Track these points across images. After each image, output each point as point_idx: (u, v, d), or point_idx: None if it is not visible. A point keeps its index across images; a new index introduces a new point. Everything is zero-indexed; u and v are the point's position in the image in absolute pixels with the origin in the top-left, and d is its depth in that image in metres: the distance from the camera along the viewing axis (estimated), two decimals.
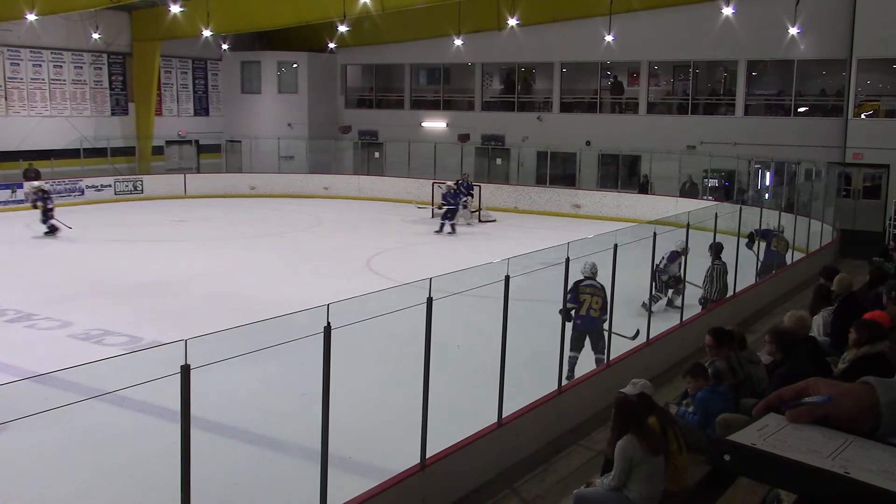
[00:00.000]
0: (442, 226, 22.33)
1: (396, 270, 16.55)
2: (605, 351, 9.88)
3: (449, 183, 24.13)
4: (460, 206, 23.17)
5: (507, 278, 7.64)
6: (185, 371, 4.96)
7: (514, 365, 7.89)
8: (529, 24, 27.33)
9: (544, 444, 8.23)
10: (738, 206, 15.11)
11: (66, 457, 7.90)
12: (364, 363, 10.11)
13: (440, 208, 23.63)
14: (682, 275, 12.56)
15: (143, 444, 8.13)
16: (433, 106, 33.82)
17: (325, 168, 32.43)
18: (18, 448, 7.77)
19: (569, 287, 9.20)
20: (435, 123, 33.13)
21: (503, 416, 7.75)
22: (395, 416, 8.57)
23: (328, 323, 5.88)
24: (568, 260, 8.56)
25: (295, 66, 34.47)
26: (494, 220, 25.07)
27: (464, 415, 8.21)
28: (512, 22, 23.49)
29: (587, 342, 10.13)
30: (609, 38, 25.15)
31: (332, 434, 6.05)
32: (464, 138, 31.68)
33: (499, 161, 31.53)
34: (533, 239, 19.86)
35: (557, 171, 30.20)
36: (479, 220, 24.80)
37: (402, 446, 7.20)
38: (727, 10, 22.09)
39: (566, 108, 30.98)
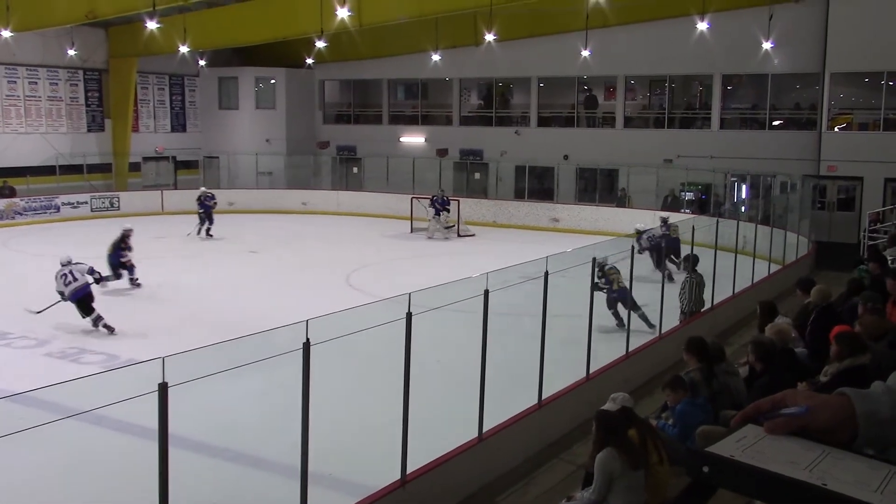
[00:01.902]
0: None
1: (376, 286, 16.52)
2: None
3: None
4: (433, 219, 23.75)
5: (487, 292, 7.65)
6: (163, 389, 4.93)
7: (494, 379, 7.88)
8: (507, 40, 27.46)
9: (525, 458, 8.24)
10: (715, 218, 15.24)
11: (42, 477, 7.80)
12: (344, 379, 10.07)
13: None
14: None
15: (122, 464, 8.04)
16: (411, 121, 33.89)
17: (303, 183, 32.37)
18: None
19: (596, 272, 11.09)
20: (413, 138, 33.17)
21: (483, 431, 7.75)
22: (375, 432, 8.54)
23: (307, 339, 5.86)
24: (547, 274, 8.59)
25: (273, 81, 34.45)
26: (473, 235, 25.12)
27: (444, 430, 8.20)
28: (489, 37, 23.56)
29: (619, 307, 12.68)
30: (585, 53, 25.30)
31: (312, 450, 6.02)
32: (442, 153, 31.74)
33: (477, 175, 31.61)
34: (511, 253, 19.91)
35: (535, 185, 30.33)
36: (458, 235, 24.85)
37: (382, 462, 7.17)
38: (702, 25, 22.30)
39: (543, 122, 31.14)
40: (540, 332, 8.85)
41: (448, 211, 25.13)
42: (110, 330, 12.68)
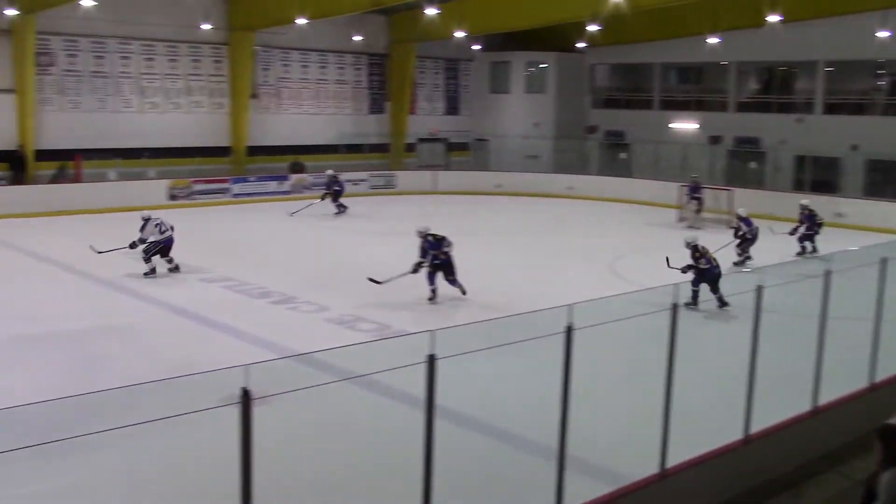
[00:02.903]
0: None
1: (640, 274, 16.21)
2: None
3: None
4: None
5: (760, 288, 7.24)
6: (431, 360, 5.11)
7: (760, 379, 7.46)
8: (792, 21, 25.73)
9: (794, 466, 7.73)
10: None
11: (317, 433, 8.39)
12: (603, 366, 9.97)
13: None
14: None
15: (387, 428, 8.48)
16: (683, 106, 32.79)
17: (569, 168, 32.37)
18: (276, 422, 8.32)
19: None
20: (684, 124, 32.10)
21: (750, 432, 7.36)
22: (634, 422, 8.39)
23: (570, 323, 5.85)
24: (828, 273, 7.98)
25: (543, 65, 34.71)
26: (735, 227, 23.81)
27: (706, 427, 7.88)
28: (772, 18, 22.21)
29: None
30: (884, 34, 23.12)
31: (570, 434, 6.02)
32: (714, 140, 30.45)
33: (753, 164, 30.00)
34: (787, 248, 18.74)
35: (817, 176, 28.26)
36: (728, 227, 23.70)
37: (640, 453, 7.03)
38: None
39: (830, 109, 28.91)
40: (817, 335, 8.25)
41: (698, 199, 24.11)
42: (177, 268, 15.81)
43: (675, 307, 6.62)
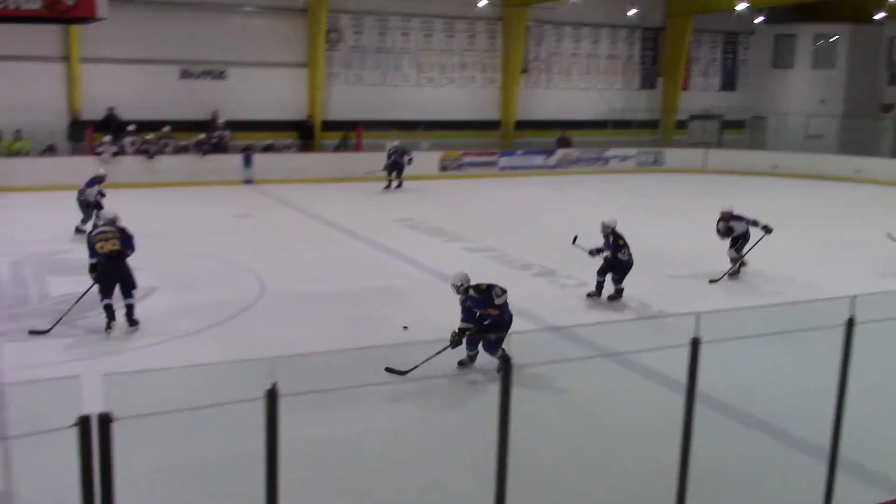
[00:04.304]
0: None
1: None
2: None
3: None
4: None
5: None
6: (695, 344, 4.91)
7: None
8: None
9: None
10: None
11: (569, 408, 8.40)
12: (889, 364, 9.15)
13: None
14: None
15: (643, 409, 8.32)
16: None
17: (858, 149, 29.77)
18: (530, 393, 8.42)
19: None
20: None
21: None
22: None
23: (852, 315, 5.39)
24: None
25: (834, 38, 32.15)
26: None
27: None
28: None
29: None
30: None
31: (844, 435, 5.58)
32: None
33: None
34: None
35: None
36: None
37: None
38: None
39: None
40: None
41: None
42: None
43: None
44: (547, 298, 12.40)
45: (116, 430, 3.55)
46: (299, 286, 12.88)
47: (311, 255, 15.34)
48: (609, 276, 12.21)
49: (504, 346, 8.57)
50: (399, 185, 23.75)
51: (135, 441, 3.81)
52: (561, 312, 11.70)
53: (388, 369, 8.49)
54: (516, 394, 4.45)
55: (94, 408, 3.57)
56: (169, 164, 23.70)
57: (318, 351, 9.01)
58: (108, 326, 10.16)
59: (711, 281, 13.65)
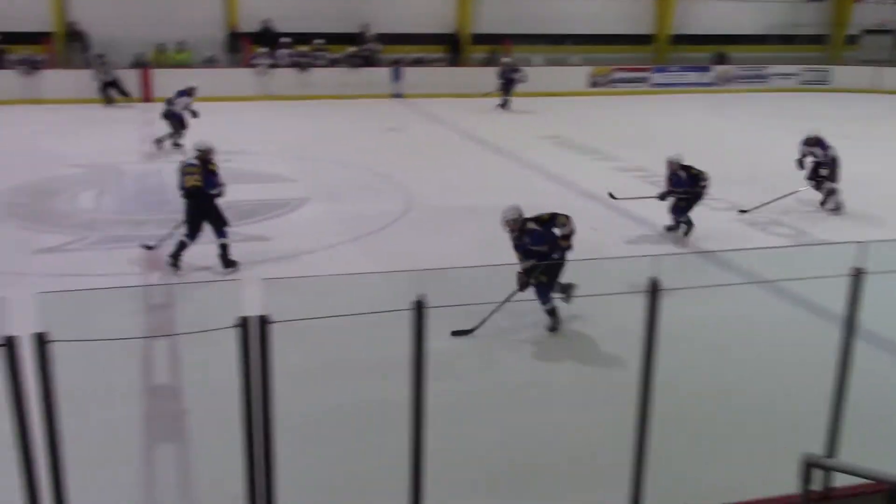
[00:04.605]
0: None
1: None
2: None
3: None
4: None
5: None
6: (858, 274, 4.66)
7: None
8: None
9: None
10: None
11: (719, 333, 8.18)
12: None
13: None
14: None
15: (792, 339, 8.03)
16: None
17: None
18: (679, 315, 8.23)
19: None
20: None
21: None
22: None
23: None
24: None
25: None
26: None
27: None
28: None
29: None
30: None
31: None
32: None
33: None
34: None
35: None
36: None
37: None
38: None
39: None
40: None
41: None
42: None
43: None
44: (696, 222, 12.01)
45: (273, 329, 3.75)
46: (445, 200, 13.03)
47: (456, 170, 15.43)
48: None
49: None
50: (506, 104, 22.94)
51: (289, 340, 4.01)
52: (713, 237, 11.34)
53: (454, 333, 7.69)
54: (665, 315, 4.38)
55: (251, 310, 3.76)
56: (320, 76, 24.16)
57: (464, 265, 9.13)
58: (173, 264, 9.43)
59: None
